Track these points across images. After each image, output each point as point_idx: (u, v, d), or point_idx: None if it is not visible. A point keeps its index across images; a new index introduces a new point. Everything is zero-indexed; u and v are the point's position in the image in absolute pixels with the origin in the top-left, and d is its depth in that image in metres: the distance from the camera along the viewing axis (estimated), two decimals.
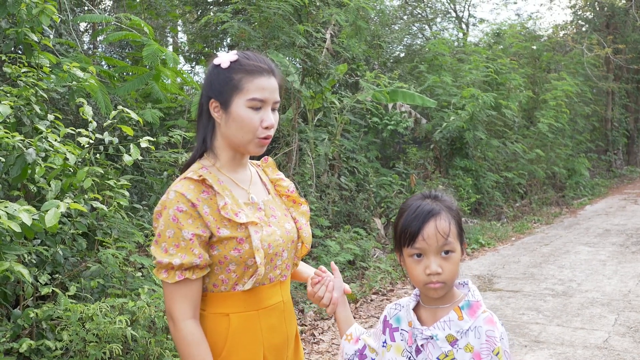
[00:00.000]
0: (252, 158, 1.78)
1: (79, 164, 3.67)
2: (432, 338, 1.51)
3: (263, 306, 1.63)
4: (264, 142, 1.63)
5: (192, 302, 1.56)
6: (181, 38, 13.67)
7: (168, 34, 12.86)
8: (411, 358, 1.56)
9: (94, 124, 3.75)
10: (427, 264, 1.49)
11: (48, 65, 3.98)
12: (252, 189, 1.71)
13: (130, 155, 3.65)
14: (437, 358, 1.50)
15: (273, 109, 1.64)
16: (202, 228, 1.55)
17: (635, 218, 10.36)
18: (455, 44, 14.48)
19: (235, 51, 1.65)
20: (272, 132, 1.62)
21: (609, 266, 6.81)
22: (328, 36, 7.53)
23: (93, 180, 3.55)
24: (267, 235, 1.62)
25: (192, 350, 1.54)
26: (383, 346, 1.63)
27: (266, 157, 1.86)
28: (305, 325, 4.87)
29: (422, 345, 1.53)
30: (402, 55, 14.86)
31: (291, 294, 1.83)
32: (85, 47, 8.30)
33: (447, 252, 1.49)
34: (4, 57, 3.96)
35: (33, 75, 3.72)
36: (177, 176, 1.75)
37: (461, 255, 1.54)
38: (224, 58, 1.62)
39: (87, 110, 3.71)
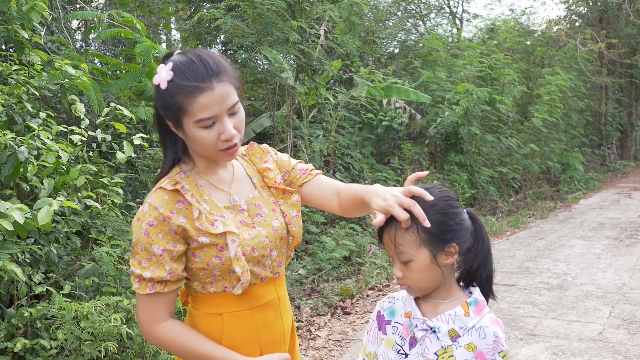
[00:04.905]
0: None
1: (72, 162, 3.64)
2: (433, 331, 1.48)
3: (257, 304, 1.60)
4: (230, 152, 1.52)
5: (165, 310, 1.54)
6: (174, 35, 13.62)
7: (161, 32, 12.79)
8: (401, 351, 1.52)
9: (87, 121, 3.72)
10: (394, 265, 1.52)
11: (39, 62, 3.95)
12: (235, 189, 1.63)
13: (123, 152, 3.63)
14: (435, 353, 1.46)
15: (232, 113, 1.49)
16: (174, 243, 1.50)
17: (629, 211, 10.40)
18: (450, 39, 14.49)
19: (171, 64, 1.47)
20: (236, 140, 1.50)
21: (603, 259, 6.83)
22: (322, 32, 7.51)
23: (86, 178, 3.53)
24: (250, 238, 1.56)
25: (178, 343, 1.52)
26: (377, 342, 1.61)
27: (251, 142, 1.76)
28: (302, 322, 4.86)
29: (420, 338, 1.49)
30: (396, 51, 14.86)
31: (288, 290, 1.80)
32: (78, 44, 8.25)
33: (406, 263, 1.47)
34: None
35: (24, 73, 3.69)
36: None
37: (445, 259, 1.46)
38: (162, 77, 1.47)
39: (80, 108, 3.68)
